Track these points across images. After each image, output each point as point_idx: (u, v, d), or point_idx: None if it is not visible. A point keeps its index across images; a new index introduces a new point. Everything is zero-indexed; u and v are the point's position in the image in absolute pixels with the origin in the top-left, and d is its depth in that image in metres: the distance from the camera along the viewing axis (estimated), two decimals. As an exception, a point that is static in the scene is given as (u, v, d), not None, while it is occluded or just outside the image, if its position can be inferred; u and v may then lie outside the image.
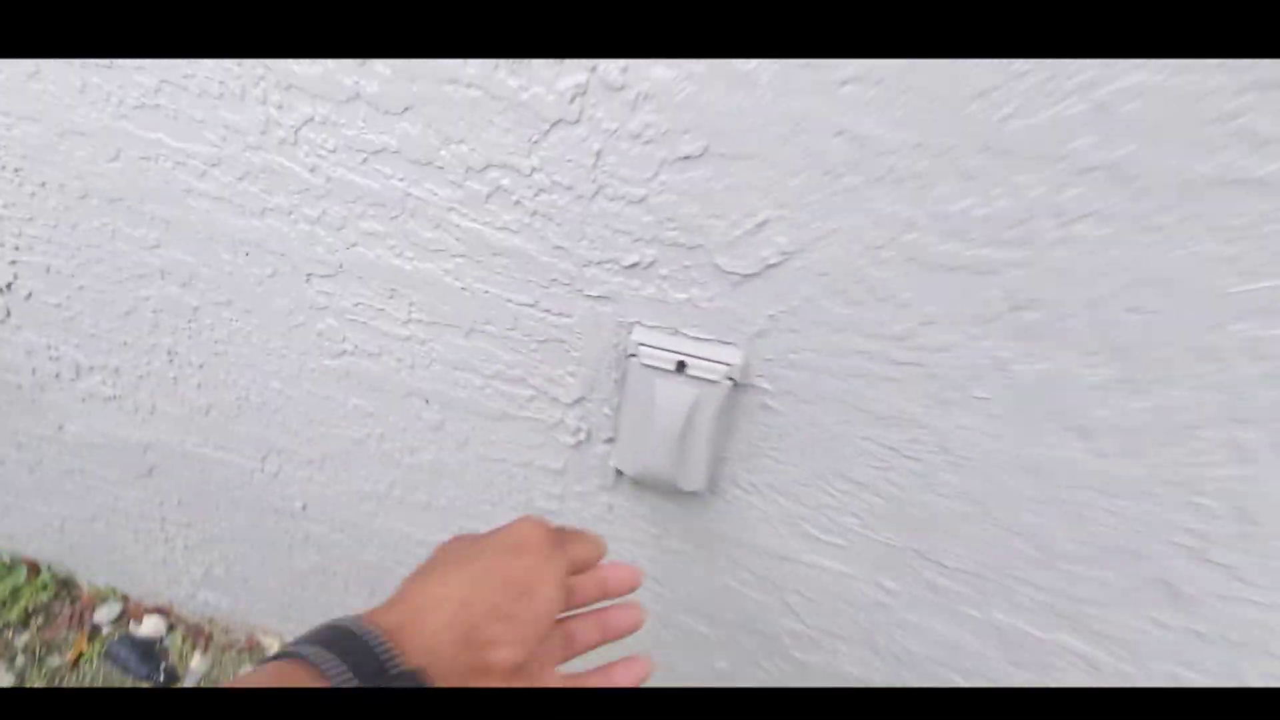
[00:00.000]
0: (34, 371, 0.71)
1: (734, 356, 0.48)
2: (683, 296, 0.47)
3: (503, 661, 0.28)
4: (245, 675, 0.25)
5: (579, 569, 0.36)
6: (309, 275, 0.54)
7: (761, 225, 0.42)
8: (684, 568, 0.64)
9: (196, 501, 0.78)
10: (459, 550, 0.33)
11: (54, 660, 0.89)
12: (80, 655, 0.89)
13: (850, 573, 0.59)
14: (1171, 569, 0.50)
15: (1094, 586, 0.53)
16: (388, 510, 0.70)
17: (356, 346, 0.58)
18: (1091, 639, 0.56)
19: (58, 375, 0.70)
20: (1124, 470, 0.46)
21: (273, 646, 0.92)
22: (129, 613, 0.94)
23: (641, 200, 0.43)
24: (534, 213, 0.46)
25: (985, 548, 0.54)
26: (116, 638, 0.90)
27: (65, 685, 0.86)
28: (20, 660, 0.88)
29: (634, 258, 0.46)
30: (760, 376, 0.49)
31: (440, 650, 0.27)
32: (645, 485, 0.59)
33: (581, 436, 0.57)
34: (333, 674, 0.24)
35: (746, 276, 0.45)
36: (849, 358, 0.47)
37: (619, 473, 0.57)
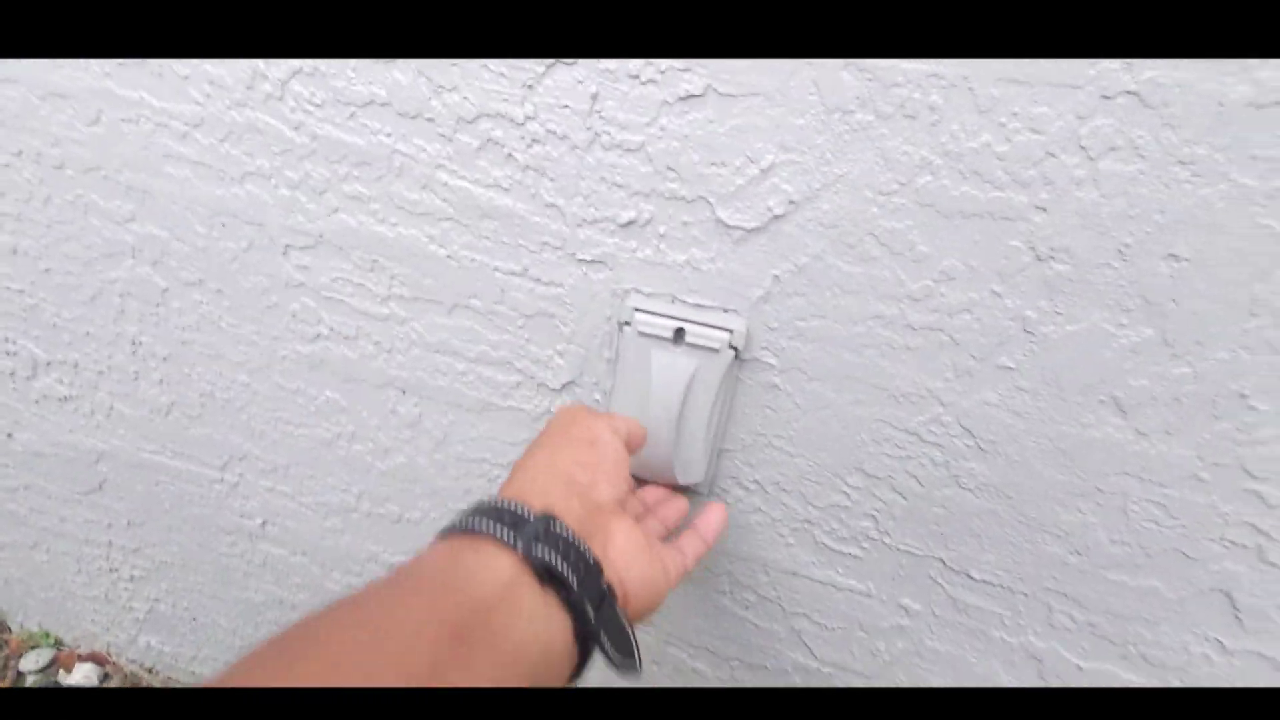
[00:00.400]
0: (-13, 369, 0.66)
1: (736, 323, 0.44)
2: (681, 258, 0.44)
3: (606, 498, 0.35)
4: (422, 553, 0.29)
5: (628, 435, 0.41)
6: (287, 247, 0.51)
7: (766, 171, 0.40)
8: (680, 588, 0.57)
9: (147, 522, 0.71)
10: (523, 455, 0.37)
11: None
12: (-3, 706, 0.79)
13: (867, 590, 0.53)
14: (1229, 575, 0.45)
15: (1141, 599, 0.47)
16: (354, 526, 0.64)
17: (332, 329, 0.54)
18: (1141, 668, 0.50)
19: (13, 373, 0.66)
20: (1168, 451, 0.42)
21: (217, 700, 0.82)
22: (60, 661, 0.84)
23: (639, 148, 0.41)
24: (526, 167, 0.44)
25: (1017, 554, 0.48)
26: (45, 681, 0.80)
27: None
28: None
29: (630, 214, 0.43)
30: (765, 349, 0.46)
31: (555, 499, 0.33)
32: (639, 483, 0.53)
33: (570, 429, 0.53)
34: (489, 530, 0.29)
35: (750, 231, 0.42)
36: (862, 324, 0.43)
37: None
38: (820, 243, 0.41)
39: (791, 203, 0.40)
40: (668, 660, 0.62)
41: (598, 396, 0.51)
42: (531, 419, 0.53)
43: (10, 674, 0.82)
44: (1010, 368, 0.42)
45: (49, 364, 0.64)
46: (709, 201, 0.42)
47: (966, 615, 0.52)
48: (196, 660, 0.81)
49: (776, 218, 0.41)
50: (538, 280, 0.47)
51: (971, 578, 0.50)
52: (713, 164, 0.41)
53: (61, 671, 0.83)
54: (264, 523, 0.67)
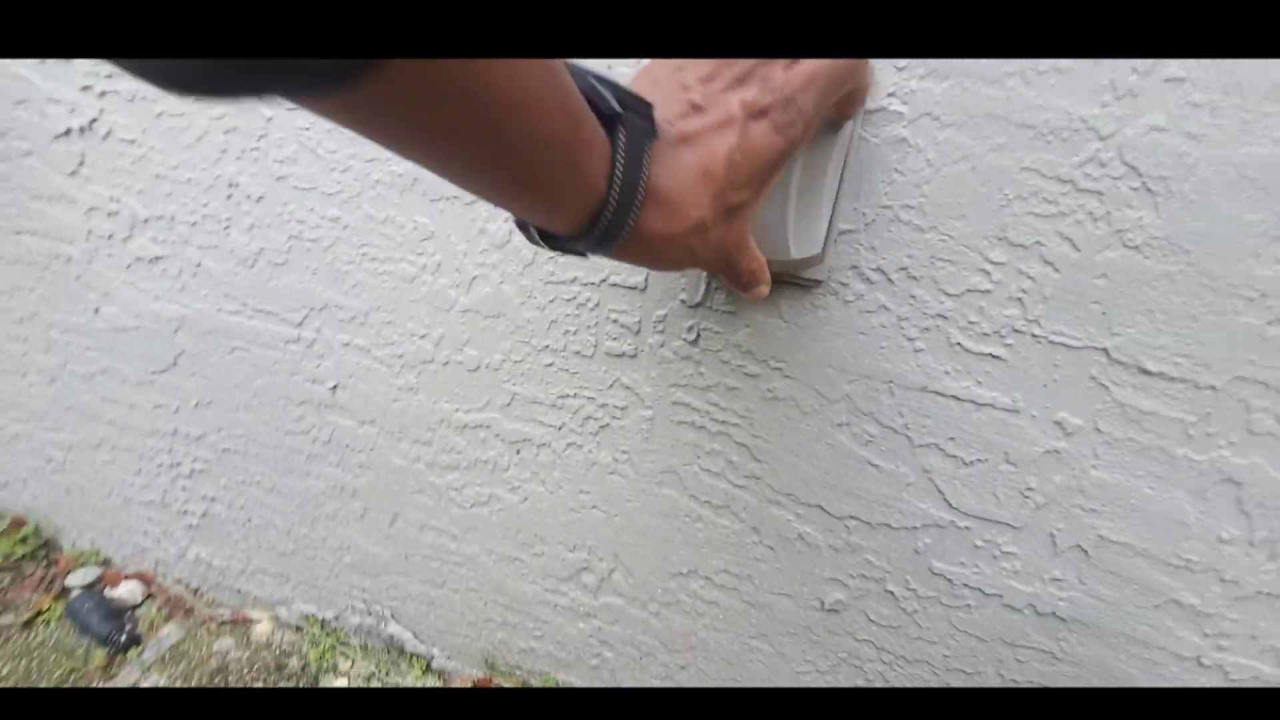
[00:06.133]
0: (89, 235, 0.68)
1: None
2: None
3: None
4: None
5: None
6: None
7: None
8: (788, 426, 0.51)
9: (216, 401, 0.69)
10: None
11: (5, 619, 0.74)
12: (39, 614, 0.74)
13: (1013, 404, 0.46)
14: None
15: (1371, 380, 0.39)
16: (429, 381, 0.60)
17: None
18: (1379, 485, 0.40)
19: (110, 236, 0.67)
20: (1391, 160, 0.36)
21: (261, 622, 0.75)
22: (105, 579, 0.80)
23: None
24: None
25: (1201, 331, 0.41)
26: (88, 596, 0.76)
27: (9, 644, 0.71)
28: (-27, 613, 0.74)
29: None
30: (891, 95, 0.42)
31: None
32: (740, 301, 0.49)
33: (670, 226, 0.49)
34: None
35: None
36: (1004, 43, 0.39)
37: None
38: (957, -51, 0.39)
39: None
40: (768, 525, 0.54)
41: (703, 183, 0.47)
42: (629, 220, 0.50)
43: (55, 588, 0.78)
44: (1180, 78, 0.37)
45: (146, 220, 0.65)
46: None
47: (1139, 428, 0.44)
48: (245, 574, 0.76)
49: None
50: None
51: (1145, 371, 0.42)
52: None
53: (107, 588, 0.79)
54: (335, 387, 0.64)
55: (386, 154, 0.55)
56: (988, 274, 0.44)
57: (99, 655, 0.69)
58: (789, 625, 0.56)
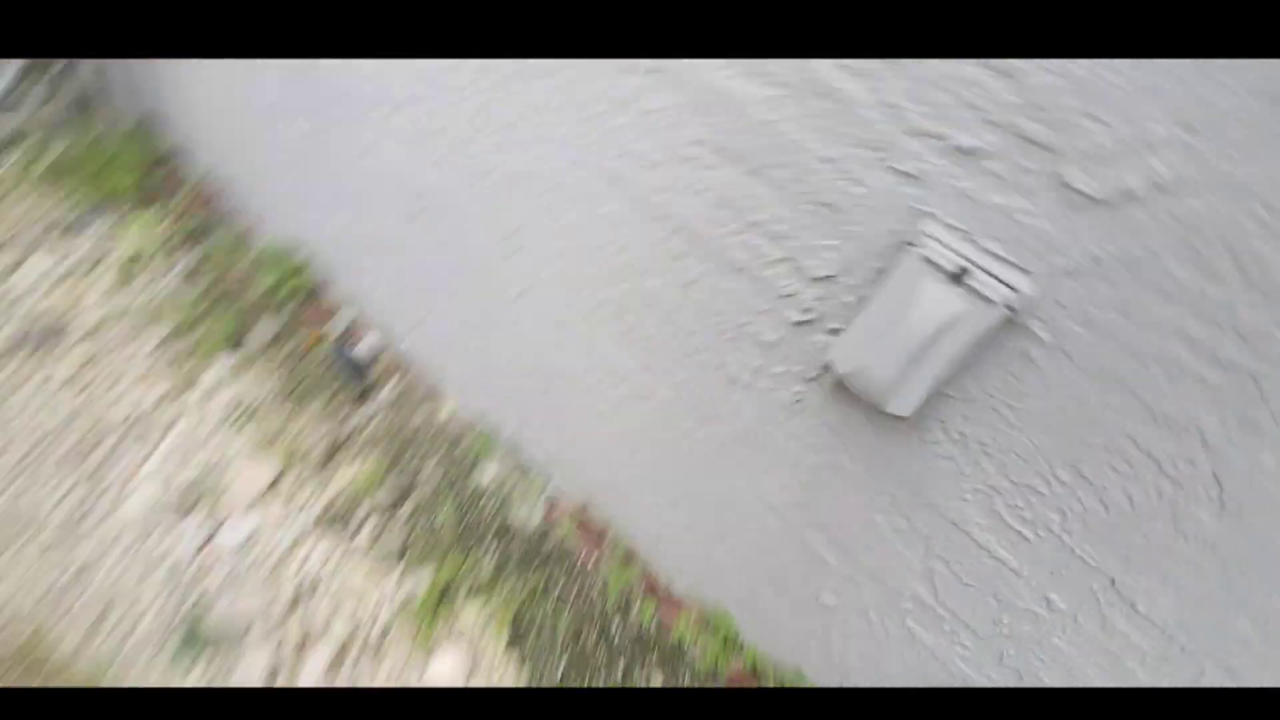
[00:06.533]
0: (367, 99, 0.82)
1: (1026, 284, 0.43)
2: (999, 201, 0.43)
3: None
4: None
5: None
6: (627, 70, 0.56)
7: (1150, 145, 0.37)
8: (841, 489, 0.63)
9: (438, 267, 0.88)
10: None
11: (292, 344, 1.08)
12: (314, 346, 1.08)
13: (1018, 570, 0.54)
14: None
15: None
16: (589, 323, 0.75)
17: (640, 152, 0.60)
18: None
19: (381, 104, 0.81)
20: None
21: (448, 403, 1.05)
22: (354, 329, 1.12)
23: (1013, 74, 0.39)
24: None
25: (1201, 612, 0.47)
26: (341, 345, 1.08)
27: (299, 368, 1.05)
28: (280, 324, 1.09)
29: (969, 140, 0.42)
30: (1040, 322, 0.45)
31: None
32: (847, 391, 0.57)
33: (810, 317, 0.56)
34: None
35: (1092, 201, 0.39)
36: (1165, 339, 0.40)
37: (827, 368, 0.56)
38: (1165, 240, 0.38)
39: (1158, 187, 0.37)
40: (802, 540, 0.69)
41: (848, 299, 0.53)
42: (779, 296, 0.57)
43: (324, 324, 1.11)
44: (1315, 443, 0.38)
45: (406, 101, 0.78)
46: (1061, 155, 0.39)
47: (1110, 637, 0.52)
48: (442, 371, 1.03)
49: (1131, 199, 0.38)
50: (845, 174, 0.49)
51: (1135, 609, 0.50)
52: (1089, 117, 0.38)
53: (353, 339, 1.10)
54: (520, 293, 0.80)
55: (606, 144, 0.62)
56: (1048, 483, 0.50)
57: (353, 389, 1.03)
58: (793, 593, 0.75)
